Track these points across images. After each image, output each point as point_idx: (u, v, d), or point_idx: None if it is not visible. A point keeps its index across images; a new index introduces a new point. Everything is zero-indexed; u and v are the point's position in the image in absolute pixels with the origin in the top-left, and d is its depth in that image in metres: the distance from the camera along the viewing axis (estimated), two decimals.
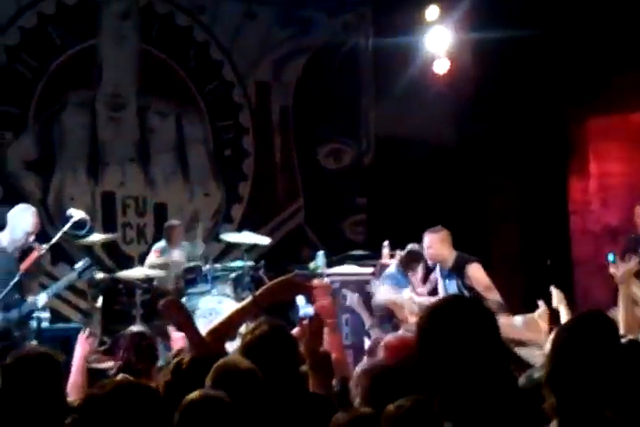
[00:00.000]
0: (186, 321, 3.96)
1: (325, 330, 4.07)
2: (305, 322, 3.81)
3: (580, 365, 2.59)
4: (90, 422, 2.85)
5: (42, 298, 6.29)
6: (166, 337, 7.78)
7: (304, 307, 3.87)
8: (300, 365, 3.67)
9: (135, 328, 5.70)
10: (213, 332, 3.91)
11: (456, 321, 2.29)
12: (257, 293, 4.00)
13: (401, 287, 8.56)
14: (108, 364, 6.68)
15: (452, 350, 2.24)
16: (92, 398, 2.99)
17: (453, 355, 2.24)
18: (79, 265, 6.46)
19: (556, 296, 5.52)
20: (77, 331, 7.75)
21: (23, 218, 6.35)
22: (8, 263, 6.19)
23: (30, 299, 6.29)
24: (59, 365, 3.45)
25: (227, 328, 3.95)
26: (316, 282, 4.64)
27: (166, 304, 4.03)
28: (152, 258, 9.54)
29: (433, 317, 2.34)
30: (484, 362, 2.25)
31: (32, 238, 6.35)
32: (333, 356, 4.03)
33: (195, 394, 2.98)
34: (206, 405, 2.92)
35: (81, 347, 5.34)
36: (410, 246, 8.72)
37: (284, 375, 3.53)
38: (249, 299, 4.01)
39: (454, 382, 2.23)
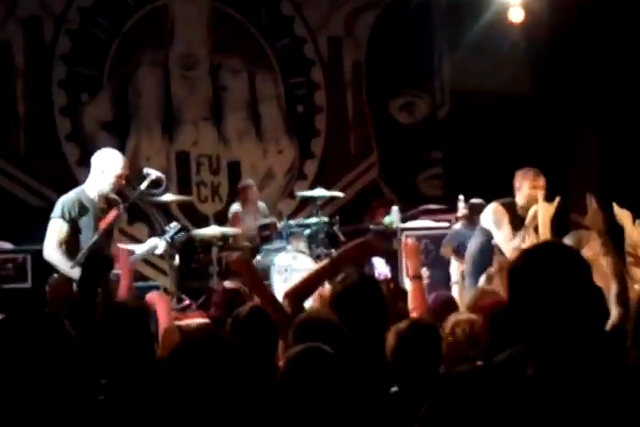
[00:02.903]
0: (254, 281, 3.98)
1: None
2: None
3: None
4: (171, 373, 2.85)
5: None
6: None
7: (381, 267, 3.93)
8: (387, 317, 3.65)
9: (229, 284, 5.64)
10: (292, 292, 3.92)
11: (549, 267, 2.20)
12: (335, 253, 4.01)
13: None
14: (198, 320, 6.77)
15: (544, 297, 2.18)
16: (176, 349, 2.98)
17: (545, 302, 2.18)
18: (170, 230, 6.34)
19: (619, 213, 5.22)
20: (156, 289, 7.95)
21: (110, 160, 5.99)
22: (96, 215, 5.89)
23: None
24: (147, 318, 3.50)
25: (305, 288, 3.96)
26: (408, 241, 4.73)
27: (235, 263, 4.05)
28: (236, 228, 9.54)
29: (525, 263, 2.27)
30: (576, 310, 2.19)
31: (123, 183, 5.98)
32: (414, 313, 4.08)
33: (298, 347, 2.94)
34: (312, 356, 2.88)
35: (164, 304, 5.40)
36: (472, 201, 8.68)
37: (373, 326, 3.54)
38: (327, 260, 4.01)
39: (544, 328, 2.18)
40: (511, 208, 6.34)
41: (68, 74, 10.20)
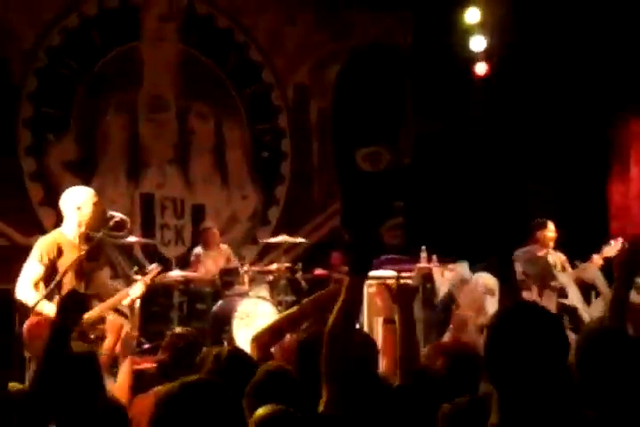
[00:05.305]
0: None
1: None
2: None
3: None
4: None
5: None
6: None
7: None
8: None
9: (178, 329, 5.63)
10: (259, 336, 3.88)
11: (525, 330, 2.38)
12: (304, 301, 3.95)
13: None
14: (148, 364, 6.74)
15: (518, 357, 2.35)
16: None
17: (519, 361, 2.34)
18: (151, 272, 6.33)
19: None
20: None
21: (83, 196, 5.99)
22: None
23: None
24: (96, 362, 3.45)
25: (272, 334, 3.91)
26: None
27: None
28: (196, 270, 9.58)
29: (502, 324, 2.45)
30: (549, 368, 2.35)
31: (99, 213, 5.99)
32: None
33: (267, 409, 2.91)
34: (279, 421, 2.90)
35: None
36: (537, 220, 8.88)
37: None
38: (295, 307, 3.96)
39: (517, 382, 2.34)
40: None
41: (34, 113, 10.16)
